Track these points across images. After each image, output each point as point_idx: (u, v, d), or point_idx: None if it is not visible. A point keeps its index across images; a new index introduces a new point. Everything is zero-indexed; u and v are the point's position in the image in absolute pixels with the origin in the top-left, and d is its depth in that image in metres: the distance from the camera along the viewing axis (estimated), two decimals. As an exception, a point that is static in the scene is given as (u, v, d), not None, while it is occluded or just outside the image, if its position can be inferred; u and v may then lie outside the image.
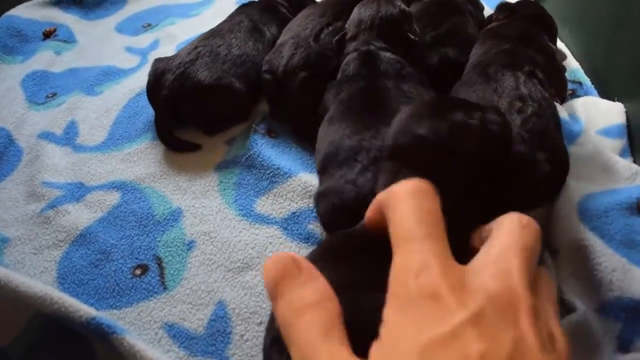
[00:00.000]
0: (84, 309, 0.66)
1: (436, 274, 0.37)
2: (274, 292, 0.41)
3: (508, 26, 0.96)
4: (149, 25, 1.34)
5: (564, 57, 1.00)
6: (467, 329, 0.35)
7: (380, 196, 0.46)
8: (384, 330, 0.37)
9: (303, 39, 0.98)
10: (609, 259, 0.70)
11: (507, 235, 0.42)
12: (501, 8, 1.02)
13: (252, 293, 0.75)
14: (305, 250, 0.79)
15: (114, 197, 0.89)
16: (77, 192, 0.91)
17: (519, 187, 0.74)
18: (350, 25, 0.96)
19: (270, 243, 0.80)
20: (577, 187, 0.79)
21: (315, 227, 0.81)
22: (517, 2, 1.03)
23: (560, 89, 0.93)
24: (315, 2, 1.13)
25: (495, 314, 0.36)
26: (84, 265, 0.80)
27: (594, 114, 0.89)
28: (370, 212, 0.48)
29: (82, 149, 1.00)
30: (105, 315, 0.67)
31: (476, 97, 0.81)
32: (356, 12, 0.96)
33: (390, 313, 0.38)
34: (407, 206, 0.42)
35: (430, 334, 0.35)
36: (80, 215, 0.86)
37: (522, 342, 0.35)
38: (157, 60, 0.99)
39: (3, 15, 1.35)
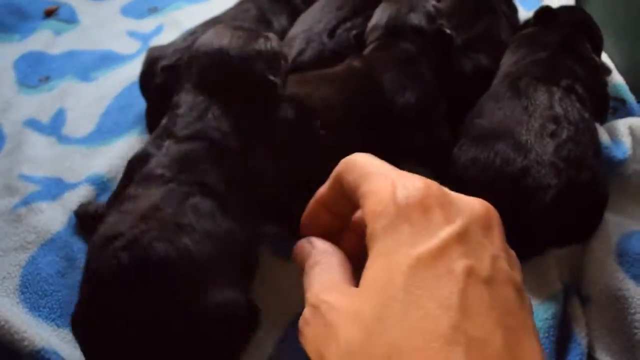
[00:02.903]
0: (29, 338, 0.60)
1: (425, 185, 0.38)
2: None
3: (546, 32, 0.86)
4: (155, 9, 1.26)
5: (609, 72, 0.89)
6: (453, 244, 0.35)
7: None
8: (373, 246, 0.38)
9: (316, 33, 0.89)
10: (652, 315, 0.60)
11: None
12: (540, 12, 0.91)
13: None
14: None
15: (87, 194, 0.81)
16: (55, 188, 0.83)
17: (549, 222, 0.64)
18: (373, 20, 0.86)
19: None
20: (616, 224, 0.70)
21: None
22: (559, 7, 0.92)
23: (602, 108, 0.83)
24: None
25: (477, 232, 0.37)
26: (50, 274, 0.72)
27: (640, 138, 0.78)
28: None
29: (67, 140, 0.92)
30: (57, 342, 0.61)
31: (503, 114, 0.72)
32: (381, 7, 0.86)
33: (376, 230, 0.38)
34: (364, 158, 0.43)
35: (419, 249, 0.35)
36: (54, 217, 0.78)
37: (497, 259, 0.36)
38: (153, 49, 0.91)
39: (4, -8, 1.28)
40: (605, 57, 0.96)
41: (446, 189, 0.39)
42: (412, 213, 0.37)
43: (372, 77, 0.75)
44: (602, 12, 0.99)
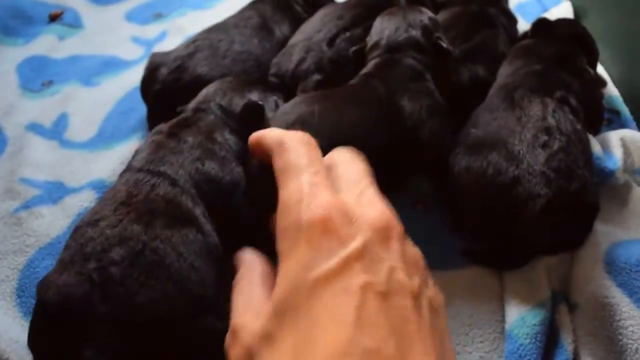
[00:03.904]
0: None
1: (328, 204, 0.40)
2: None
3: (542, 44, 0.87)
4: (160, 14, 1.27)
5: (604, 84, 0.90)
6: (352, 262, 0.37)
7: (267, 135, 0.49)
8: (280, 266, 0.40)
9: (315, 42, 0.90)
10: (636, 323, 0.61)
11: (350, 167, 0.46)
12: (537, 25, 0.92)
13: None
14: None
15: (88, 199, 0.81)
16: (55, 192, 0.83)
17: (539, 230, 0.67)
18: (372, 36, 0.86)
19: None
20: (605, 234, 0.71)
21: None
22: (556, 19, 0.93)
23: (595, 119, 0.84)
24: (334, 2, 1.04)
25: (376, 244, 0.39)
26: None
27: (631, 151, 0.79)
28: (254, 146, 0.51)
29: (69, 144, 0.93)
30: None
31: (497, 125, 0.73)
32: (379, 22, 0.87)
33: (283, 249, 0.40)
34: (297, 143, 0.46)
35: (318, 271, 0.37)
36: (54, 221, 0.79)
37: (394, 271, 0.38)
38: (155, 55, 0.92)
39: (9, -6, 1.28)
40: (601, 70, 0.97)
41: (345, 200, 0.42)
42: (313, 234, 0.39)
43: (392, 98, 0.75)
44: (599, 25, 1.00)
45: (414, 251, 0.43)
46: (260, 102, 0.74)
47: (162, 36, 1.19)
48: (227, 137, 0.72)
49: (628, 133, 0.81)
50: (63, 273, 0.55)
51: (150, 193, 0.62)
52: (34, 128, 0.96)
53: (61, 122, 0.97)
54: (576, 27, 0.91)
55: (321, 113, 0.72)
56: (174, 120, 0.74)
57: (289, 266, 0.40)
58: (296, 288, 0.38)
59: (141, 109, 0.95)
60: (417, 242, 0.62)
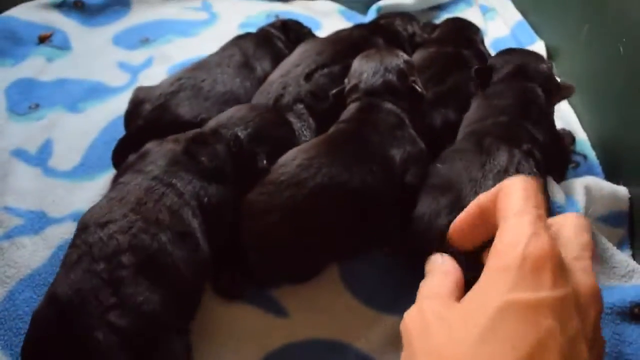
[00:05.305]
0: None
1: (549, 247, 0.42)
2: None
3: (505, 93, 0.88)
4: (147, 40, 1.29)
5: (572, 138, 0.93)
6: (547, 306, 0.40)
7: (487, 193, 0.51)
8: (485, 276, 0.44)
9: (293, 77, 0.93)
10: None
11: (579, 235, 0.48)
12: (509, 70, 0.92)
13: None
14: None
15: (69, 231, 0.81)
16: (37, 222, 0.85)
17: None
18: (350, 78, 0.89)
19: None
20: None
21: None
22: (522, 63, 0.92)
23: (561, 168, 0.86)
24: (315, 38, 1.07)
25: (572, 307, 0.41)
26: (26, 312, 0.72)
27: (597, 199, 0.81)
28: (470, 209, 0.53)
29: (53, 173, 0.95)
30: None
31: (462, 166, 0.76)
32: (357, 65, 0.90)
33: (494, 266, 0.43)
34: (521, 189, 0.47)
35: (519, 295, 0.40)
36: (35, 252, 0.80)
37: (578, 338, 0.40)
38: (139, 89, 0.94)
39: (0, 16, 1.29)
40: (570, 112, 1.00)
41: (566, 259, 0.44)
42: (526, 265, 0.41)
43: (384, 147, 0.79)
44: (571, 67, 1.02)
45: (603, 341, 0.46)
46: (267, 167, 0.78)
47: (148, 63, 1.20)
48: (230, 169, 0.78)
49: (592, 180, 0.83)
50: (71, 272, 0.61)
51: (158, 202, 0.68)
52: (19, 154, 0.98)
53: (46, 148, 0.99)
54: (543, 72, 0.91)
55: (321, 164, 0.75)
56: (193, 135, 0.80)
57: (492, 279, 0.43)
58: (490, 300, 0.41)
59: (122, 139, 0.96)
60: (388, 285, 0.69)
